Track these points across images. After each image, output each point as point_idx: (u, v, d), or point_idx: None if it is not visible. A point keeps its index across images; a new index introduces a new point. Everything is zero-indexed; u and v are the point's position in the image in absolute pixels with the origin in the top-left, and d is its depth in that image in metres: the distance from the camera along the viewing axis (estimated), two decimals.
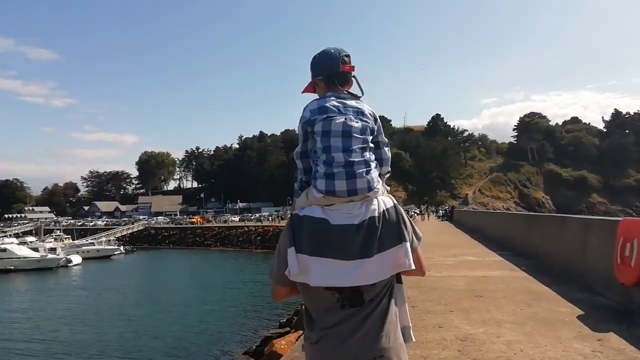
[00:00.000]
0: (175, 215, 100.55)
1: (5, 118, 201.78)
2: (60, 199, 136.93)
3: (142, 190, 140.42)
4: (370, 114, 1.77)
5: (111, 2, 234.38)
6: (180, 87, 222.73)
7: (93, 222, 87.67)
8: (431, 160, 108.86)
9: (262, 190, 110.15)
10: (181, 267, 45.50)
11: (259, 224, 66.62)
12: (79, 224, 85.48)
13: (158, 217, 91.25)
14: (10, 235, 60.98)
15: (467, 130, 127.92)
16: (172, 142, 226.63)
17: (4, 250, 41.92)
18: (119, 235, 65.73)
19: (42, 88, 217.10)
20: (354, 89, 1.83)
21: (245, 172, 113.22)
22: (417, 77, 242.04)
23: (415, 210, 60.55)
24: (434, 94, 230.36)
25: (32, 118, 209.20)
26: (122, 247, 56.67)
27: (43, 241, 50.40)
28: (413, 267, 1.62)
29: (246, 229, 62.07)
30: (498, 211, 49.89)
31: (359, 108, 1.75)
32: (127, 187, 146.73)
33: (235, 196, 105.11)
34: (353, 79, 1.83)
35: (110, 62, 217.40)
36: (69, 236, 60.41)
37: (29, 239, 52.80)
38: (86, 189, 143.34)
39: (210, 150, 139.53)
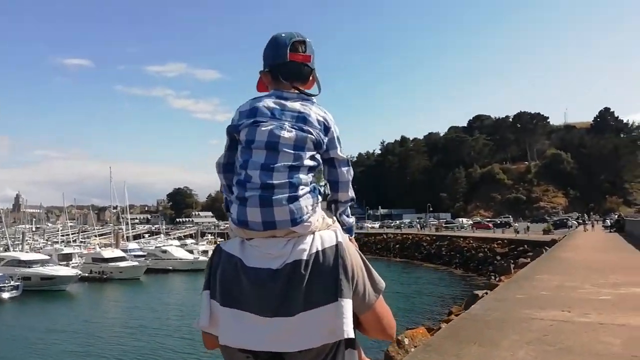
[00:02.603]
0: None
1: (181, 134, 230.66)
2: (221, 204, 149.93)
3: None
4: (319, 120, 1.37)
5: (268, 29, 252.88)
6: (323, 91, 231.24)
7: None
8: (598, 161, 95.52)
9: (404, 196, 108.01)
10: None
11: (398, 231, 64.89)
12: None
13: None
14: (174, 237, 68.17)
15: None
16: None
17: (165, 251, 46.64)
18: None
19: (209, 105, 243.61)
20: (314, 89, 1.47)
21: (387, 178, 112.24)
22: (581, 68, 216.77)
23: (575, 220, 53.09)
24: (602, 86, 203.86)
25: (201, 132, 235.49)
26: None
27: (197, 244, 55.21)
28: (349, 335, 1.22)
29: (384, 237, 60.80)
30: None
31: (301, 112, 1.36)
32: None
33: (377, 202, 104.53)
34: (310, 73, 1.46)
35: None
36: (222, 239, 65.37)
37: (189, 241, 58.41)
38: None
39: (353, 157, 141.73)
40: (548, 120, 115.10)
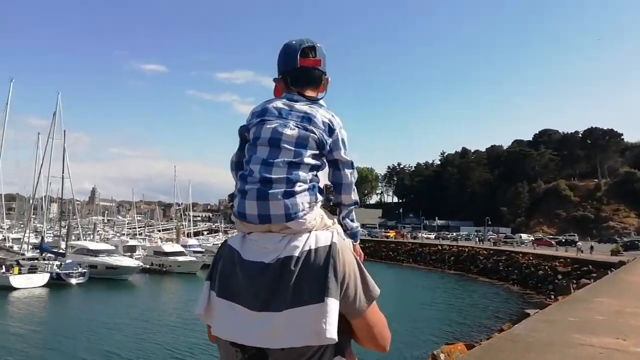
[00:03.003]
0: (375, 228, 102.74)
1: None
2: None
3: None
4: (324, 122, 1.39)
5: (332, 41, 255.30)
6: (384, 104, 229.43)
7: None
8: None
9: (463, 208, 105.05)
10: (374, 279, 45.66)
11: (454, 243, 63.14)
12: None
13: None
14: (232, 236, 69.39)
15: None
16: (376, 158, 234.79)
17: None
18: None
19: None
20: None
21: (445, 189, 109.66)
22: None
23: None
24: None
25: None
26: None
27: None
28: (331, 337, 1.19)
29: (439, 248, 59.34)
30: None
31: (307, 113, 1.39)
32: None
33: (434, 213, 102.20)
34: (321, 76, 1.49)
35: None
36: None
37: None
38: None
39: (411, 167, 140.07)
40: (622, 137, 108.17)
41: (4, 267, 30.61)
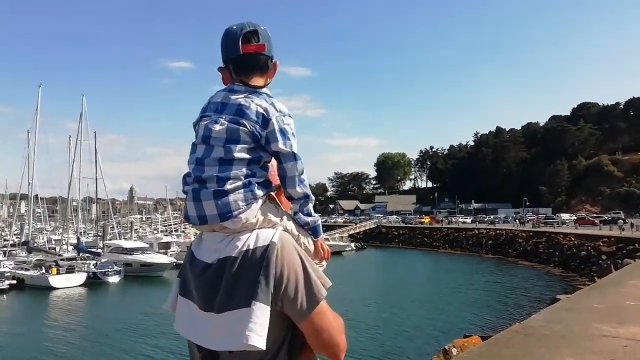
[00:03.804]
0: (410, 214, 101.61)
1: None
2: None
3: (380, 190, 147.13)
4: (257, 112, 1.32)
5: (351, 31, 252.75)
6: (414, 86, 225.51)
7: (334, 219, 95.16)
8: None
9: (499, 190, 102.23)
10: (407, 266, 45.17)
11: (491, 226, 61.52)
12: (323, 220, 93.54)
13: (390, 216, 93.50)
14: None
15: None
16: (408, 143, 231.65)
17: None
18: (352, 232, 69.19)
19: (300, 101, 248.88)
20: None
21: (480, 171, 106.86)
22: None
23: None
24: None
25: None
26: (352, 244, 59.40)
27: None
28: (255, 345, 1.17)
29: (476, 232, 57.93)
30: None
31: (241, 105, 1.33)
32: (366, 186, 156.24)
33: (470, 196, 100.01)
34: (267, 63, 1.43)
35: (353, 74, 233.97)
36: None
37: None
38: (332, 188, 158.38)
39: (445, 149, 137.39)
40: None
41: (43, 267, 31.71)
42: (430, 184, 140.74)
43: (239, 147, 1.29)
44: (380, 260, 52.81)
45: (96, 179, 41.22)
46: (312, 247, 1.40)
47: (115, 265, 33.70)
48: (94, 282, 31.84)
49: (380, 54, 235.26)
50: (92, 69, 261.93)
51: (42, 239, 44.70)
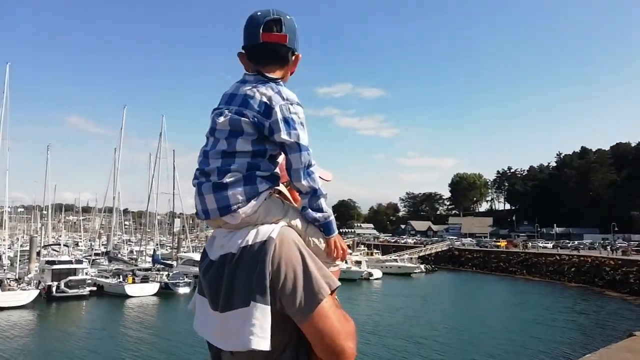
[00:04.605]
0: (485, 237, 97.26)
1: (346, 150, 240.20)
2: (383, 217, 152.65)
3: (454, 211, 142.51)
4: (261, 102, 1.25)
5: (426, 46, 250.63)
6: (492, 103, 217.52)
7: (404, 240, 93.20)
8: None
9: (585, 214, 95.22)
10: (479, 291, 43.16)
11: (574, 252, 57.11)
12: (393, 240, 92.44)
13: (464, 239, 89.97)
14: None
15: None
16: (484, 163, 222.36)
17: None
18: (422, 254, 67.19)
19: (373, 121, 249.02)
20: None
21: (564, 193, 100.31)
22: None
23: None
24: None
25: (365, 148, 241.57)
26: (422, 266, 57.59)
27: (350, 254, 56.03)
28: (252, 347, 1.12)
29: (557, 258, 53.99)
30: None
31: (247, 95, 1.27)
32: (440, 207, 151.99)
33: (551, 220, 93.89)
34: (288, 55, 1.34)
35: (428, 93, 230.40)
36: (379, 251, 65.64)
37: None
38: (404, 208, 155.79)
39: (524, 170, 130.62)
40: None
41: (121, 276, 33.64)
42: (508, 206, 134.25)
43: (240, 139, 1.24)
44: (451, 283, 50.87)
45: (173, 194, 43.36)
46: (323, 245, 1.30)
47: (186, 277, 34.91)
48: (165, 292, 33.20)
49: (455, 70, 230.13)
50: (170, 94, 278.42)
51: (125, 249, 47.60)
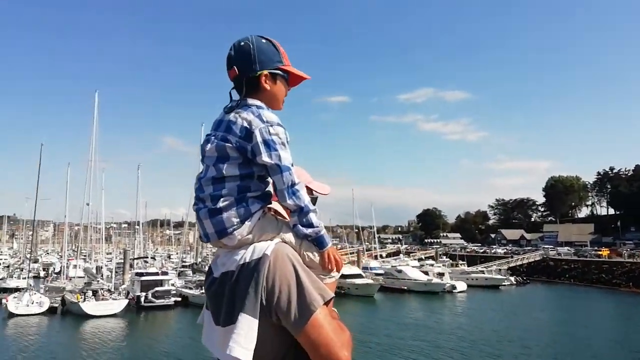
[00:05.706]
0: (585, 245, 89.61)
1: (430, 156, 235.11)
2: (471, 226, 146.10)
3: (550, 218, 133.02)
4: (242, 127, 1.31)
5: (505, 47, 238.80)
6: (587, 99, 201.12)
7: (494, 250, 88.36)
8: None
9: None
10: (578, 307, 39.57)
11: None
12: (481, 251, 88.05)
13: (561, 248, 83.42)
14: (414, 258, 68.50)
15: None
16: (583, 164, 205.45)
17: (400, 271, 47.07)
18: (512, 265, 63.23)
19: (459, 125, 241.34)
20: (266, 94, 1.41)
21: None
22: None
23: None
24: None
25: (451, 153, 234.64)
26: (512, 278, 54.14)
27: (433, 265, 54.07)
28: (237, 357, 1.19)
29: None
30: None
31: (230, 121, 1.34)
32: (533, 214, 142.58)
33: None
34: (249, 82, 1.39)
35: (516, 92, 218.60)
36: (464, 262, 62.79)
37: (429, 262, 57.89)
38: (494, 216, 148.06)
39: (629, 170, 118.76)
40: None
41: (201, 287, 35.37)
42: (611, 211, 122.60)
43: (227, 164, 1.30)
44: (545, 297, 47.28)
45: None
46: (317, 258, 1.35)
47: None
48: None
49: (542, 64, 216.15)
50: None
51: None
